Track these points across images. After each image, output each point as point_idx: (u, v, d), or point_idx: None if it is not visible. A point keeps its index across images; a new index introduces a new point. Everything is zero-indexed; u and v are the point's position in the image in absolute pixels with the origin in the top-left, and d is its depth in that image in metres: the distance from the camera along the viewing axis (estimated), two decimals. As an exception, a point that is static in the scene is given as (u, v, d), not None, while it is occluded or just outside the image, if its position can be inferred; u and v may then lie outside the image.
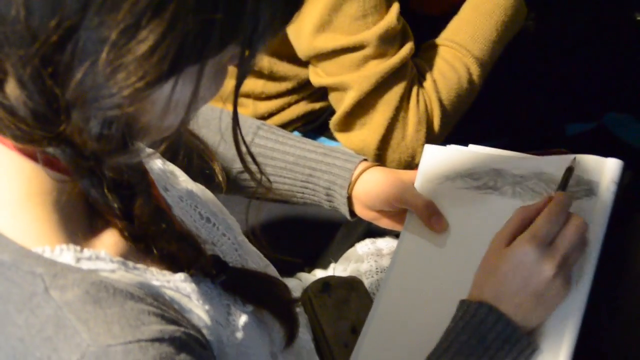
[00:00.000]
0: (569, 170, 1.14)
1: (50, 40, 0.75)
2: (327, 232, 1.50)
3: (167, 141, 0.85)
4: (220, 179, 1.01)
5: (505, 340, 1.00)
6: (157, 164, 1.07)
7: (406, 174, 1.27)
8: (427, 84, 1.44)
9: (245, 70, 0.83)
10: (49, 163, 0.84)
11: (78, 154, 0.81)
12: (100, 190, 0.85)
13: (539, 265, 1.01)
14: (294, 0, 0.82)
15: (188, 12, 0.75)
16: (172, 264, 0.91)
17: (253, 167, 0.93)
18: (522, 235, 1.04)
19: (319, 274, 1.37)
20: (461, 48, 1.45)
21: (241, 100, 1.57)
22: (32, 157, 0.84)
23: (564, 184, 1.14)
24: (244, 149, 0.89)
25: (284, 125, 1.59)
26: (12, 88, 0.79)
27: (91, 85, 0.77)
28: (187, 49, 0.77)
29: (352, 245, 1.40)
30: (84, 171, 0.83)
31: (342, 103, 1.43)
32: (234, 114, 0.87)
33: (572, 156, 1.18)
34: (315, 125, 1.62)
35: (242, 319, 0.96)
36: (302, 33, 1.40)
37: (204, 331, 0.90)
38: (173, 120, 0.83)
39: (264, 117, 1.59)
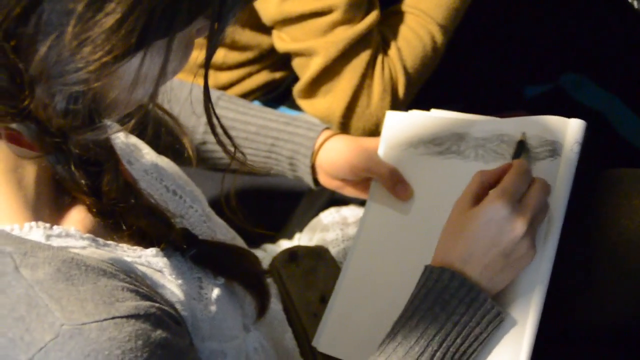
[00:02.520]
0: (521, 143, 1.15)
1: (12, 13, 0.74)
2: (291, 201, 1.49)
3: (136, 117, 0.84)
4: (191, 153, 1.00)
5: (469, 305, 0.99)
6: (120, 137, 1.05)
7: (369, 142, 1.27)
8: (392, 51, 1.44)
9: (215, 43, 0.82)
10: (13, 139, 0.82)
11: (43, 130, 0.80)
12: (67, 167, 0.83)
13: (510, 222, 1.00)
14: None
15: None
16: (143, 239, 0.90)
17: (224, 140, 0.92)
18: (491, 193, 1.03)
19: (284, 244, 1.37)
20: (425, 16, 1.45)
21: (200, 70, 1.55)
22: None
23: (517, 155, 1.14)
24: (216, 122, 0.88)
25: (245, 95, 1.58)
26: None
27: (56, 59, 0.75)
28: (156, 22, 0.76)
29: (316, 214, 1.40)
30: (50, 147, 0.82)
31: (307, 69, 1.43)
32: (205, 88, 0.86)
33: (531, 118, 1.18)
34: (275, 94, 1.61)
35: (215, 292, 0.95)
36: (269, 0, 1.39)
37: (178, 306, 0.89)
38: (141, 94, 0.82)
39: (225, 87, 1.57)
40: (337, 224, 1.34)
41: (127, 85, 0.80)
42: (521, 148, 1.14)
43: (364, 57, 1.41)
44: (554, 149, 1.14)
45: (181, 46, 0.83)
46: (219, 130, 0.89)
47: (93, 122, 0.81)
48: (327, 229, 1.34)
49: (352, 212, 1.37)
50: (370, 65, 1.42)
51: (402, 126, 1.26)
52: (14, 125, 0.81)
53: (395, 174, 1.21)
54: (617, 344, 1.23)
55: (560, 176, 1.12)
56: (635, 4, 2.05)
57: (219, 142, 0.91)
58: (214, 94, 1.31)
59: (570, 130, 1.15)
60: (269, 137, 1.28)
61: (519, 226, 1.00)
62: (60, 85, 0.77)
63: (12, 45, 0.75)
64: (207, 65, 0.84)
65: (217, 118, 0.89)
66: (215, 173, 1.34)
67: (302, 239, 1.37)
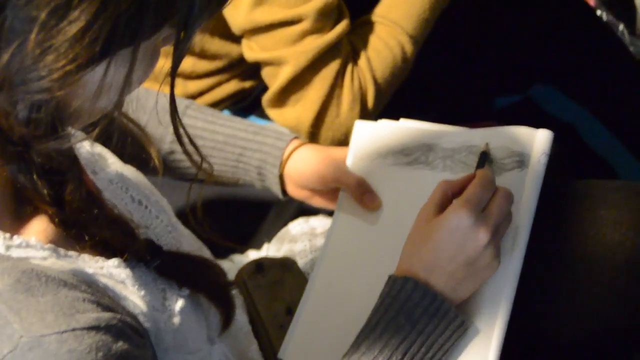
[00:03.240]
0: (483, 154, 1.15)
1: None
2: (259, 211, 1.48)
3: (100, 125, 0.83)
4: (157, 163, 0.99)
5: (432, 314, 0.99)
6: (85, 147, 1.04)
7: (338, 152, 1.26)
8: (362, 61, 1.44)
9: (182, 52, 0.81)
10: None
11: (5, 138, 0.79)
12: (28, 176, 0.82)
13: (473, 231, 1.00)
14: None
15: None
16: (105, 250, 0.89)
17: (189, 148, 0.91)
18: (455, 202, 1.03)
19: (252, 255, 1.36)
20: (395, 25, 1.45)
21: (167, 78, 1.54)
22: None
23: (480, 165, 1.14)
24: (182, 132, 0.87)
25: (214, 104, 1.57)
26: None
27: (18, 67, 0.74)
28: (120, 30, 0.75)
29: (284, 224, 1.39)
30: (11, 157, 0.81)
31: (276, 78, 1.42)
32: (171, 97, 0.85)
33: (499, 129, 1.18)
34: (245, 104, 1.60)
35: (179, 303, 0.95)
36: (239, 6, 1.38)
37: (140, 318, 0.88)
38: (105, 103, 0.81)
39: (194, 97, 1.56)
40: (306, 235, 1.34)
41: (91, 94, 0.79)
42: (484, 158, 1.14)
43: (334, 66, 1.41)
44: (521, 160, 1.14)
45: (147, 55, 0.82)
46: (186, 140, 0.89)
47: (56, 131, 0.80)
48: (295, 239, 1.33)
49: (320, 223, 1.37)
50: (340, 75, 1.42)
51: (371, 136, 1.26)
52: None
53: (363, 185, 1.21)
54: (580, 357, 1.23)
55: (527, 187, 1.12)
56: (604, 16, 2.06)
57: (186, 152, 0.91)
58: (182, 102, 1.30)
59: (538, 141, 1.15)
60: (237, 147, 1.27)
61: (482, 235, 1.01)
62: (23, 94, 0.76)
63: None
64: (173, 74, 0.83)
65: (184, 128, 0.88)
66: (183, 183, 1.33)
67: (270, 249, 1.37)
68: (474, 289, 1.03)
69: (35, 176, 0.82)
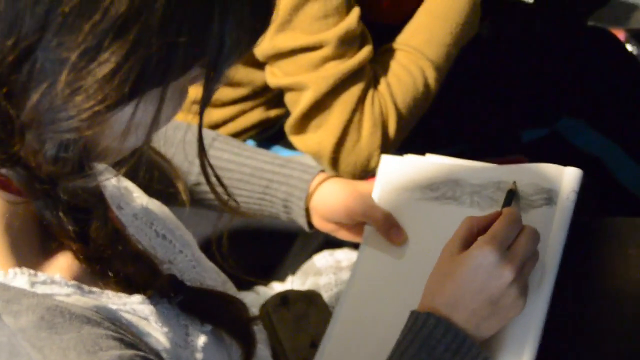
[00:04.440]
0: (510, 192, 1.14)
1: (6, 60, 0.73)
2: (284, 243, 1.48)
3: (129, 162, 0.83)
4: (184, 197, 0.99)
5: (455, 351, 0.98)
6: (111, 181, 1.04)
7: (364, 186, 1.26)
8: (382, 87, 1.44)
9: (210, 92, 0.81)
10: (1, 184, 0.82)
11: (32, 176, 0.79)
12: (54, 213, 0.82)
13: (498, 268, 0.99)
14: (259, 21, 0.81)
15: (151, 34, 0.73)
16: (129, 286, 0.89)
17: (218, 187, 0.91)
18: (480, 239, 1.02)
19: (276, 287, 1.36)
20: (416, 51, 1.45)
21: (192, 106, 1.54)
22: None
23: (507, 202, 1.13)
24: (209, 170, 0.87)
25: (239, 134, 1.58)
26: None
27: (48, 107, 0.75)
28: (150, 72, 0.75)
29: (309, 256, 1.39)
30: (38, 193, 0.81)
31: (298, 104, 1.43)
32: (199, 135, 0.85)
33: (528, 166, 1.17)
34: (269, 134, 1.60)
35: (201, 339, 0.94)
36: None
37: (163, 354, 0.88)
38: (133, 142, 0.81)
39: (218, 125, 1.57)
40: (331, 268, 1.33)
41: (119, 133, 0.79)
42: (511, 196, 1.14)
43: (355, 92, 1.41)
44: (549, 197, 1.13)
45: (175, 94, 0.82)
46: (213, 179, 0.89)
47: (83, 169, 0.80)
48: (320, 273, 1.33)
49: (345, 256, 1.36)
50: (361, 101, 1.42)
51: (397, 171, 1.25)
52: (2, 171, 0.80)
53: (390, 219, 1.21)
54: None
55: (555, 224, 1.11)
56: (634, 49, 2.05)
57: (213, 191, 0.91)
58: (209, 135, 1.30)
59: (567, 178, 1.14)
60: (263, 179, 1.27)
61: (507, 273, 1.00)
62: (51, 133, 0.76)
63: (4, 91, 0.74)
64: (201, 113, 0.83)
65: (211, 166, 0.89)
66: (209, 212, 1.33)
67: (294, 281, 1.36)
68: (498, 327, 1.02)
69: (61, 213, 0.82)
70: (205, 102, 0.83)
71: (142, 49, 0.74)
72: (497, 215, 1.06)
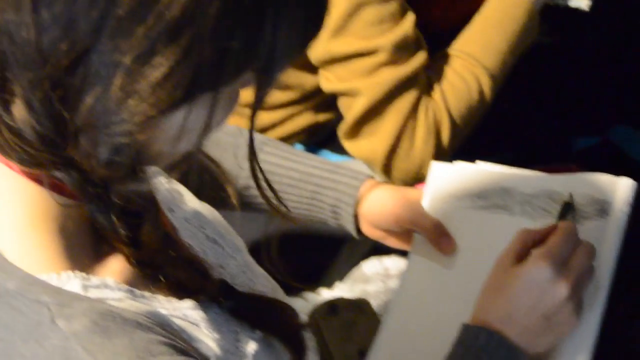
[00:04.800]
0: (567, 205, 1.13)
1: (61, 64, 0.73)
2: (332, 249, 1.47)
3: (181, 167, 0.83)
4: (235, 201, 0.99)
5: None
6: (163, 183, 1.04)
7: (414, 193, 1.25)
8: (436, 94, 1.43)
9: (262, 96, 0.81)
10: (55, 187, 0.82)
11: (85, 179, 0.79)
12: (107, 216, 0.82)
13: (553, 284, 0.98)
14: (312, 25, 0.80)
15: (204, 39, 0.73)
16: (180, 291, 0.89)
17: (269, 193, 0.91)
18: (535, 253, 1.01)
19: (324, 293, 1.35)
20: (471, 58, 1.44)
21: (243, 110, 1.54)
22: (37, 180, 0.81)
23: (563, 215, 1.12)
24: (259, 174, 0.87)
25: (288, 137, 1.57)
26: (19, 110, 0.77)
27: (102, 110, 0.75)
28: (202, 76, 0.75)
29: (357, 263, 1.38)
30: (91, 197, 0.81)
31: (351, 110, 1.42)
32: (250, 141, 0.85)
33: (580, 176, 1.16)
34: (318, 138, 1.60)
35: (251, 346, 0.94)
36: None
37: None
38: (185, 146, 0.81)
39: (267, 129, 1.57)
40: (379, 276, 1.33)
41: (171, 138, 0.79)
42: (568, 209, 1.12)
43: (409, 98, 1.40)
44: (602, 209, 1.12)
45: (227, 98, 0.82)
46: (263, 183, 0.88)
47: (136, 173, 0.80)
48: (369, 280, 1.32)
49: (394, 264, 1.35)
50: (414, 108, 1.41)
51: (447, 178, 1.24)
52: (56, 174, 0.81)
53: (439, 227, 1.20)
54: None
55: (608, 237, 1.09)
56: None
57: (262, 195, 0.91)
58: (259, 139, 1.30)
59: (621, 189, 1.13)
60: (312, 184, 1.27)
61: (562, 290, 0.99)
62: (105, 136, 0.76)
63: (58, 94, 0.75)
64: (253, 117, 0.83)
65: (261, 170, 0.88)
66: (257, 216, 1.33)
67: (342, 288, 1.36)
68: (551, 344, 1.01)
69: (113, 216, 0.82)
70: (257, 106, 0.82)
71: (195, 54, 0.74)
72: (553, 228, 1.04)
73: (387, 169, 1.43)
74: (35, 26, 0.73)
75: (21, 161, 0.79)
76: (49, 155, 0.78)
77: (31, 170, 0.80)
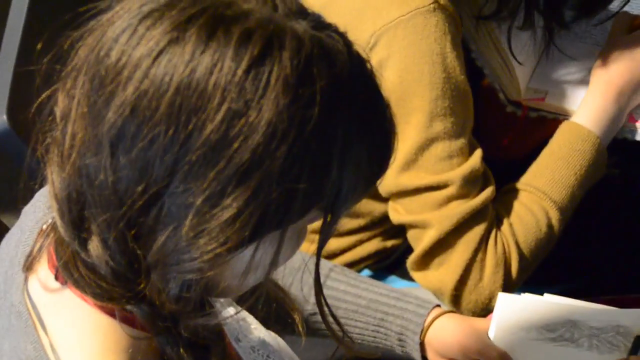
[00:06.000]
0: (638, 339, 1.12)
1: (135, 205, 0.76)
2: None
3: (249, 300, 0.85)
4: (301, 329, 1.01)
5: None
6: (230, 312, 1.06)
7: (480, 323, 1.25)
8: (505, 227, 1.43)
9: (327, 234, 0.83)
10: (126, 320, 0.84)
11: (156, 313, 0.82)
12: (175, 349, 0.84)
13: None
14: (376, 166, 0.82)
15: (272, 180, 0.76)
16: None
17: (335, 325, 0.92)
18: None
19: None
20: (539, 192, 1.44)
21: (311, 236, 1.57)
22: (110, 313, 0.84)
23: (634, 351, 1.11)
24: (325, 308, 0.88)
25: (355, 263, 1.58)
26: (95, 247, 0.80)
27: (173, 248, 0.77)
28: (269, 216, 0.77)
29: (423, 390, 1.37)
30: (160, 330, 0.83)
31: (420, 241, 1.43)
32: (316, 275, 0.87)
33: None
34: (386, 264, 1.61)
35: None
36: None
37: None
38: (253, 281, 0.83)
39: (336, 254, 1.58)
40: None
41: (239, 273, 0.81)
42: (638, 343, 1.11)
43: (478, 231, 1.41)
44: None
45: (293, 235, 0.84)
46: (329, 317, 0.90)
47: (204, 308, 0.82)
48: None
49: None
50: (484, 240, 1.41)
51: (514, 309, 1.24)
52: (128, 307, 0.83)
53: (506, 358, 1.19)
54: None
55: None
56: None
57: (328, 328, 0.92)
58: (326, 265, 1.32)
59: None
60: (378, 312, 1.28)
61: None
62: (175, 273, 0.79)
63: (132, 233, 0.77)
64: (318, 255, 0.85)
65: (327, 304, 0.90)
66: (323, 340, 1.34)
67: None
68: None
69: (181, 349, 0.84)
70: (322, 243, 0.84)
71: (263, 195, 0.76)
72: None
73: (455, 300, 1.43)
74: (112, 170, 0.76)
75: (95, 295, 0.82)
76: (122, 290, 0.80)
77: (104, 304, 0.83)
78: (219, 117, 0.75)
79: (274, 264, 0.82)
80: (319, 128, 0.77)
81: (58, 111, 0.82)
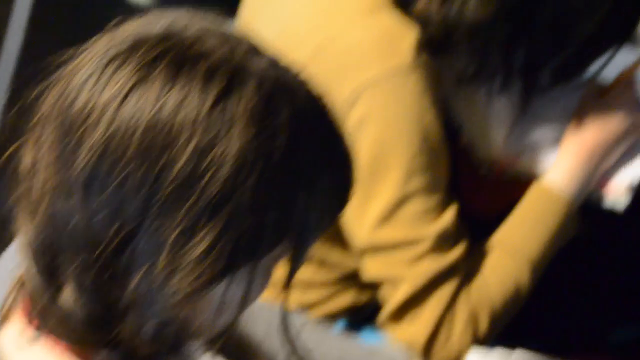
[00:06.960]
0: None
1: (110, 246, 0.77)
2: None
3: (219, 340, 0.86)
4: None
5: None
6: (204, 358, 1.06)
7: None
8: (476, 284, 1.45)
9: (296, 267, 0.84)
10: None
11: (130, 356, 0.82)
12: None
13: None
14: (341, 195, 0.84)
15: (243, 212, 0.77)
16: None
17: None
18: None
19: None
20: (512, 250, 1.46)
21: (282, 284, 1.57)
22: (84, 357, 0.84)
23: None
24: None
25: (331, 316, 1.58)
26: (69, 292, 0.80)
27: (147, 288, 0.78)
28: (242, 248, 0.79)
29: None
30: None
31: (393, 297, 1.44)
32: (283, 319, 0.88)
33: None
34: (361, 316, 1.61)
35: None
36: (362, 225, 1.42)
37: None
38: (226, 319, 0.84)
39: (311, 306, 1.58)
40: None
41: (213, 311, 0.82)
42: None
43: (450, 288, 1.42)
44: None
45: (263, 271, 0.85)
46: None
47: (178, 347, 0.83)
48: None
49: None
50: (455, 297, 1.43)
51: (485, 364, 1.25)
52: (104, 353, 0.83)
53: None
54: None
55: None
56: None
57: None
58: (298, 320, 1.32)
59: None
60: None
61: None
62: (151, 313, 0.79)
63: (107, 275, 0.78)
64: (287, 287, 0.86)
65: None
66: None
67: None
68: None
69: None
70: (290, 278, 0.86)
71: (234, 227, 0.78)
72: None
73: (426, 355, 1.43)
74: (85, 212, 0.77)
75: (70, 341, 0.82)
76: (98, 335, 0.81)
77: (80, 350, 0.83)
78: (188, 152, 0.76)
79: (244, 301, 0.83)
80: (285, 158, 0.79)
81: (27, 162, 0.82)
